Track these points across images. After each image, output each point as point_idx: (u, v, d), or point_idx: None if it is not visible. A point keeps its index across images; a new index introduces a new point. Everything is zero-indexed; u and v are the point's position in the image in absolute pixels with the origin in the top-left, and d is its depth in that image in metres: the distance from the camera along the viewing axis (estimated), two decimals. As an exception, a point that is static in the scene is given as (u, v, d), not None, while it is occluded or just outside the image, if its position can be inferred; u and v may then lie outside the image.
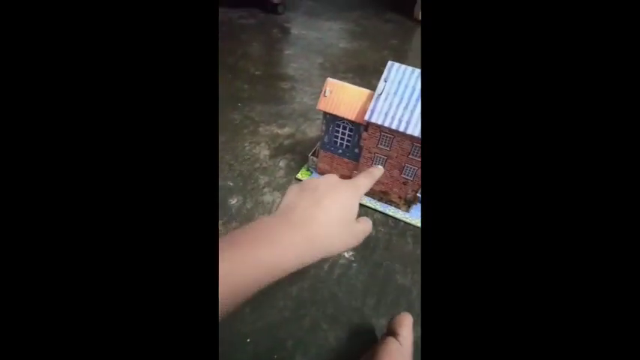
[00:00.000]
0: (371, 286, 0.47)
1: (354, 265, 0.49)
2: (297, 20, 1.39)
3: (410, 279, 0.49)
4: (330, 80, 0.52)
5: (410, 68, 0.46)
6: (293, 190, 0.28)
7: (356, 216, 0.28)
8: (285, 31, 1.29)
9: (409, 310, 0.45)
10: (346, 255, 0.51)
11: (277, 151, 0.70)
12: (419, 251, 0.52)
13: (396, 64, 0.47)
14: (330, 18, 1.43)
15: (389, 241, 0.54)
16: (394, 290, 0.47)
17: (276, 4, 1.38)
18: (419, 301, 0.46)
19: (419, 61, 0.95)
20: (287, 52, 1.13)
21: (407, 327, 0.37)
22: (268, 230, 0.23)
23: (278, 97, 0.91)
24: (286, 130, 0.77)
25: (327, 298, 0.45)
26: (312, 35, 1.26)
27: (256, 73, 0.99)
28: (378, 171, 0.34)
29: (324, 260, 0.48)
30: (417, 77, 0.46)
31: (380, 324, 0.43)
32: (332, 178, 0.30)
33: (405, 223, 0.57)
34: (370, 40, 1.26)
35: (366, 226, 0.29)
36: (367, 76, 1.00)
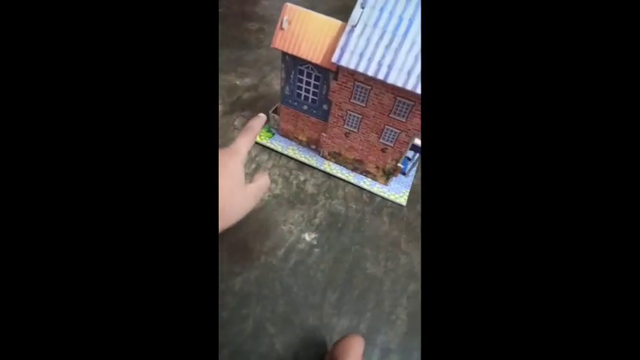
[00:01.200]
0: (334, 277, 0.38)
1: (316, 250, 0.40)
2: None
3: (382, 267, 0.40)
4: (290, 6, 0.38)
5: None
6: None
7: (243, 179, 0.29)
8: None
9: (377, 307, 0.37)
10: (307, 238, 0.41)
11: (233, 107, 0.57)
12: (395, 232, 0.43)
13: None
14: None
15: (361, 220, 0.44)
16: (362, 282, 0.38)
17: None
18: (391, 295, 0.38)
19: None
20: (257, -14, 0.94)
21: (354, 357, 0.27)
22: None
23: (242, 40, 0.75)
24: (247, 81, 0.63)
25: (279, 293, 0.36)
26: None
27: (219, 10, 0.82)
28: (258, 122, 0.32)
29: (277, 245, 0.39)
30: (407, 2, 0.33)
31: (341, 325, 0.35)
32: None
33: (383, 198, 0.47)
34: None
35: (260, 182, 0.32)
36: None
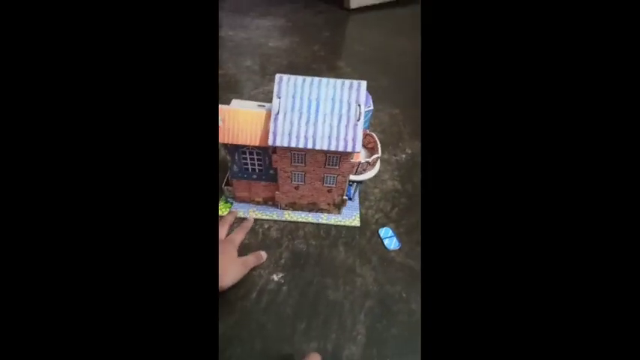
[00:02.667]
0: (301, 309, 0.45)
1: (284, 288, 0.47)
2: (223, 21, 1.31)
3: (342, 291, 0.47)
4: (223, 107, 0.46)
5: (300, 78, 0.43)
6: None
7: (235, 256, 0.47)
8: (211, 34, 1.21)
9: (340, 327, 0.43)
10: (275, 278, 0.48)
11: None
12: (350, 259, 0.51)
13: (285, 77, 0.44)
14: (258, 15, 1.37)
15: (320, 254, 0.52)
16: (325, 308, 0.45)
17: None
18: (351, 315, 0.45)
19: (351, 53, 0.92)
20: (213, 57, 1.06)
21: None
22: None
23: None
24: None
25: (255, 332, 0.42)
26: (240, 36, 1.19)
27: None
28: (249, 223, 0.54)
29: (250, 290, 0.46)
30: (311, 86, 0.43)
31: (311, 349, 0.41)
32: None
33: (337, 229, 0.55)
34: (301, 35, 1.22)
35: (250, 257, 0.48)
36: (299, 74, 0.96)
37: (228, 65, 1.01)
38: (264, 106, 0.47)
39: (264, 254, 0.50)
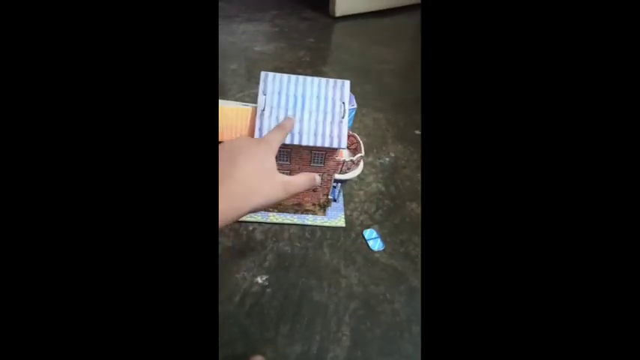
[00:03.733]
0: (285, 311, 0.44)
1: (268, 290, 0.46)
2: (209, 24, 1.30)
3: (326, 293, 0.47)
4: None
5: (286, 76, 0.44)
6: None
7: (274, 168, 0.30)
8: (196, 38, 1.20)
9: (325, 329, 0.43)
10: (259, 281, 0.47)
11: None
12: (335, 261, 0.51)
13: (270, 74, 0.44)
14: (244, 20, 1.37)
15: (305, 256, 0.51)
16: (309, 310, 0.45)
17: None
18: (335, 316, 0.44)
19: (336, 59, 0.93)
20: (197, 60, 1.05)
21: None
22: None
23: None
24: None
25: (238, 336, 0.41)
26: (225, 40, 1.19)
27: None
28: (289, 122, 0.40)
29: (233, 292, 0.45)
30: (296, 84, 0.44)
31: (294, 352, 0.40)
32: (243, 139, 0.32)
33: (323, 230, 0.55)
34: (286, 40, 1.23)
35: (297, 178, 0.32)
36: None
37: (212, 68, 1.00)
38: (247, 105, 0.47)
39: (318, 179, 0.34)
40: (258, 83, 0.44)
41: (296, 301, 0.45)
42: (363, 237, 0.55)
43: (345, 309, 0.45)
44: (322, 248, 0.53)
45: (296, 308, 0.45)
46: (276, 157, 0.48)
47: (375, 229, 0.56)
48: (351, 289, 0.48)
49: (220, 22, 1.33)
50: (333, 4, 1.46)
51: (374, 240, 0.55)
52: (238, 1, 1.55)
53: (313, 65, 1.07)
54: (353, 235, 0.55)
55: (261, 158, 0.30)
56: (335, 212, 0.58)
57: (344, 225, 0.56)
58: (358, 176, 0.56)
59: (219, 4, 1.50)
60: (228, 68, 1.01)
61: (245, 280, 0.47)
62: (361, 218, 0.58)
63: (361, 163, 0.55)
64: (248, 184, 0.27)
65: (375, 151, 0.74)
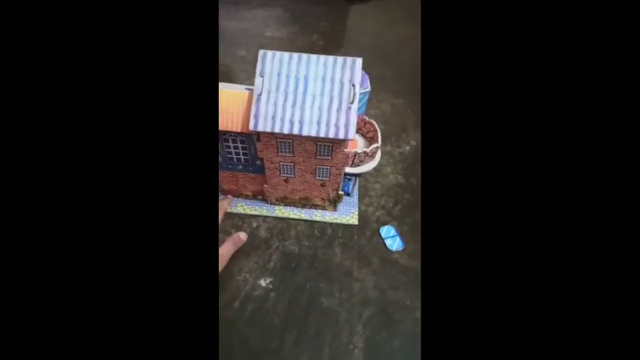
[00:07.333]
0: (291, 318, 0.40)
1: (272, 294, 0.42)
2: (220, 12, 1.26)
3: (337, 298, 0.42)
4: None
5: (287, 54, 0.38)
6: None
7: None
8: (206, 26, 1.16)
9: (335, 339, 0.38)
10: (262, 283, 0.43)
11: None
12: (348, 262, 0.46)
13: (270, 53, 0.38)
14: (256, 5, 1.31)
15: (314, 256, 0.46)
16: (318, 318, 0.40)
17: (194, -4, 1.24)
18: (348, 325, 0.39)
19: (351, 42, 0.87)
20: (206, 48, 1.01)
21: None
22: None
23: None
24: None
25: (237, 346, 0.37)
26: (235, 26, 1.14)
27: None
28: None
29: (234, 296, 0.41)
30: (298, 63, 0.38)
31: (300, 366, 0.36)
32: None
33: (334, 228, 0.50)
34: (299, 25, 1.16)
35: (224, 248, 0.42)
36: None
37: (221, 55, 0.97)
38: (251, 89, 0.42)
39: (243, 236, 0.43)
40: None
41: (303, 307, 0.41)
42: (380, 235, 0.49)
43: (359, 317, 0.40)
44: (333, 248, 0.48)
45: (303, 315, 0.40)
46: (278, 149, 0.43)
47: (393, 227, 0.50)
48: (365, 294, 0.42)
49: (231, 8, 1.29)
50: (349, -16, 1.37)
51: (392, 238, 0.49)
52: (250, -14, 1.50)
53: (327, 49, 1.01)
54: (368, 232, 0.50)
55: None
56: (347, 208, 0.52)
57: (357, 222, 0.50)
58: (374, 167, 0.50)
59: (231, -10, 1.46)
60: (237, 55, 0.97)
61: (247, 283, 0.43)
62: (377, 214, 0.52)
63: (378, 155, 0.49)
64: None
65: (393, 139, 0.67)
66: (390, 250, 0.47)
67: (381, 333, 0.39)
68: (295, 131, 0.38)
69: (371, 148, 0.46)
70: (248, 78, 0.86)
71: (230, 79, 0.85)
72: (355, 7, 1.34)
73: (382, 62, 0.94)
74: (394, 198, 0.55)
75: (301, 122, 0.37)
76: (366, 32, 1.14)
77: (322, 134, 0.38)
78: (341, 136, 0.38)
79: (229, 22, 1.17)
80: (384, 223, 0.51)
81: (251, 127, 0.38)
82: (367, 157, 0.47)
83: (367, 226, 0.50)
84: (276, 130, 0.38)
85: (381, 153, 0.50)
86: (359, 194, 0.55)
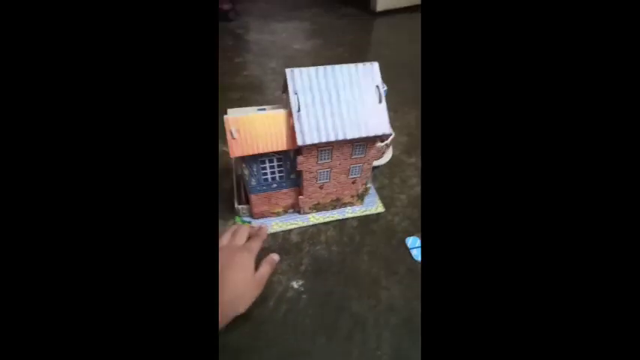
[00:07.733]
0: (322, 320, 0.42)
1: (304, 296, 0.44)
2: (250, 25, 1.32)
3: (366, 305, 0.43)
4: (230, 118, 0.40)
5: (312, 69, 0.41)
6: None
7: (253, 272, 0.39)
8: (237, 38, 1.22)
9: (363, 344, 0.39)
10: (295, 285, 0.45)
11: (221, 172, 0.64)
12: (375, 269, 0.47)
13: (296, 70, 0.40)
14: (284, 19, 1.37)
15: (342, 262, 0.48)
16: (347, 322, 0.42)
17: (227, 11, 1.31)
18: (375, 331, 0.41)
19: (376, 56, 0.89)
20: (237, 59, 1.07)
21: None
22: None
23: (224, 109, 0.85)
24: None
25: (271, 343, 0.39)
26: (266, 39, 1.20)
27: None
28: (262, 231, 0.46)
29: (268, 296, 0.43)
30: (325, 75, 0.41)
31: (330, 366, 0.38)
32: (226, 250, 0.40)
33: (361, 236, 0.51)
34: (325, 37, 1.21)
35: (264, 270, 0.41)
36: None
37: (253, 66, 1.01)
38: (264, 109, 0.43)
39: (276, 257, 0.43)
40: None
41: (333, 311, 0.43)
42: (406, 245, 0.51)
43: (386, 324, 0.41)
44: (361, 255, 0.49)
45: (333, 318, 0.42)
46: (318, 157, 0.45)
47: (419, 238, 0.52)
48: (392, 302, 0.44)
49: (261, 22, 1.35)
50: (374, -1, 1.41)
51: (418, 249, 0.50)
52: (279, 0, 1.56)
53: (352, 61, 1.03)
54: (394, 242, 0.51)
55: (244, 267, 0.38)
56: (370, 199, 0.57)
57: (383, 210, 0.55)
58: (400, 178, 0.52)
59: (260, 4, 1.53)
60: (267, 66, 1.01)
61: (280, 284, 0.45)
62: (403, 224, 0.54)
63: (390, 149, 0.52)
64: (235, 293, 0.36)
65: (418, 151, 0.69)
66: (416, 261, 0.49)
67: (406, 342, 0.40)
68: (340, 137, 0.41)
69: (390, 139, 0.49)
70: (278, 88, 0.90)
71: (261, 90, 0.90)
72: (379, 20, 1.37)
73: (407, 75, 0.96)
74: (420, 209, 0.56)
75: (343, 128, 0.41)
76: (390, 45, 1.17)
77: (364, 134, 0.42)
78: (380, 132, 0.42)
79: (260, 35, 1.22)
80: (410, 234, 0.52)
81: (299, 142, 0.40)
82: (386, 149, 0.50)
83: (393, 236, 0.52)
84: (323, 139, 0.41)
85: (407, 165, 0.52)
86: (375, 185, 0.59)
